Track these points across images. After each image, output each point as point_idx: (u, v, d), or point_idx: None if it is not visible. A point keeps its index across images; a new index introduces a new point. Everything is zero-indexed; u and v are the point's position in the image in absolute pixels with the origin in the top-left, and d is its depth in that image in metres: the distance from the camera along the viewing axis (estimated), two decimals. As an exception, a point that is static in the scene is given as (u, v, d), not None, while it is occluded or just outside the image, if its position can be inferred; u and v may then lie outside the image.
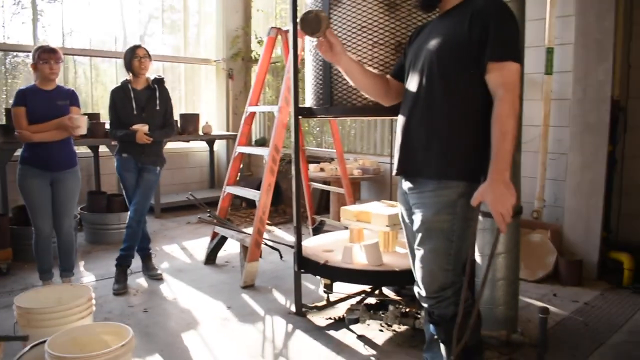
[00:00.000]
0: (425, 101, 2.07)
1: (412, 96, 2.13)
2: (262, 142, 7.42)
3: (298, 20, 2.19)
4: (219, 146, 8.01)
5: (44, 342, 2.24)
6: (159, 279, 4.27)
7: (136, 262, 4.27)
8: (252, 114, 4.72)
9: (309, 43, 3.27)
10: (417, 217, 2.10)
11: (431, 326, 2.23)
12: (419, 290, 2.17)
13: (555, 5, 4.22)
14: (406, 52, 2.31)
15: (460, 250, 2.07)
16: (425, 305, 2.19)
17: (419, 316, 3.06)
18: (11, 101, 3.80)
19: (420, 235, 2.09)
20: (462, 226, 2.04)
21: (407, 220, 2.28)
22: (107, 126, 4.33)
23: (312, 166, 5.67)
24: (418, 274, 2.15)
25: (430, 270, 2.08)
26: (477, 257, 3.02)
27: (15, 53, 6.38)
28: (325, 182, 5.58)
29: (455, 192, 2.01)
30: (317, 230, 5.19)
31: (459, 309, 1.96)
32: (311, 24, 2.14)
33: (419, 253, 2.11)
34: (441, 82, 2.02)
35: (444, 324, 2.10)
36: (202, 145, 7.79)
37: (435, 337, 2.23)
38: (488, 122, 1.91)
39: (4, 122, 5.39)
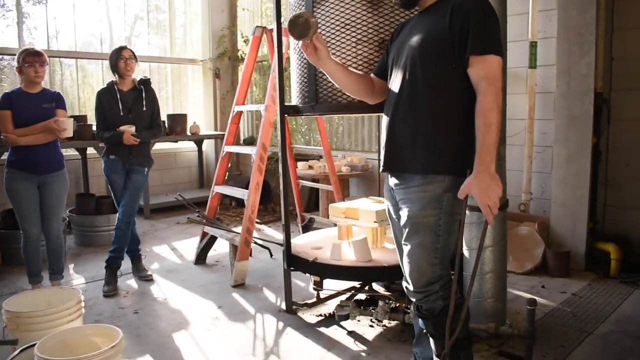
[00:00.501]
0: (408, 98, 2.07)
1: (396, 93, 2.13)
2: (250, 141, 7.41)
3: (287, 21, 2.14)
4: (207, 146, 8.00)
5: (34, 345, 2.24)
6: (149, 280, 4.26)
7: (126, 264, 4.27)
8: (239, 113, 4.71)
9: (294, 42, 3.27)
10: (404, 213, 2.11)
11: (420, 320, 2.24)
12: (407, 285, 2.18)
13: (537, -1, 4.27)
14: (388, 49, 2.31)
15: (447, 245, 2.08)
16: (413, 299, 2.20)
17: (409, 311, 3.08)
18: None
19: (407, 230, 2.10)
20: (448, 220, 2.05)
21: (394, 216, 2.29)
22: (94, 128, 4.31)
23: (300, 164, 5.68)
24: (406, 269, 2.15)
25: (417, 265, 2.09)
26: (465, 251, 3.05)
27: (0, 56, 6.33)
28: (313, 180, 5.59)
29: (441, 187, 2.02)
30: (306, 227, 5.21)
31: (450, 302, 1.96)
32: (299, 28, 2.09)
33: (407, 248, 2.12)
34: (424, 78, 2.03)
35: (432, 318, 2.11)
36: (191, 145, 7.77)
37: (424, 331, 2.24)
38: (472, 117, 1.92)
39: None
